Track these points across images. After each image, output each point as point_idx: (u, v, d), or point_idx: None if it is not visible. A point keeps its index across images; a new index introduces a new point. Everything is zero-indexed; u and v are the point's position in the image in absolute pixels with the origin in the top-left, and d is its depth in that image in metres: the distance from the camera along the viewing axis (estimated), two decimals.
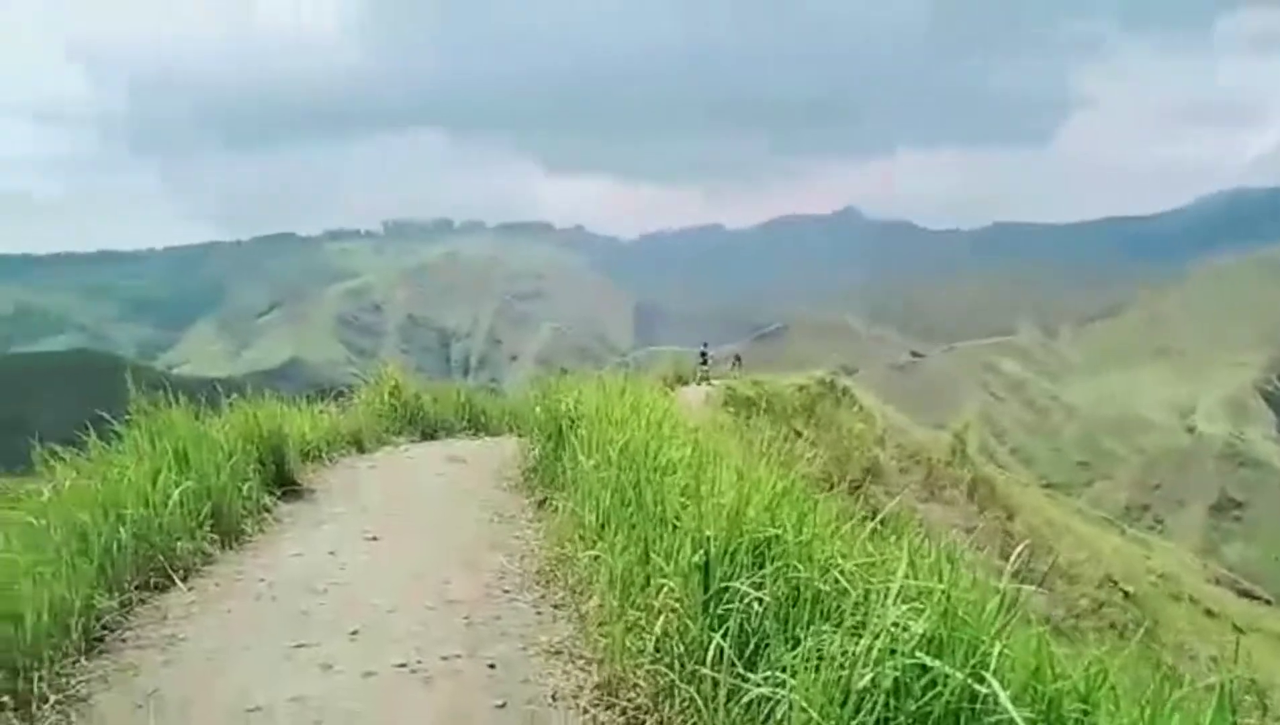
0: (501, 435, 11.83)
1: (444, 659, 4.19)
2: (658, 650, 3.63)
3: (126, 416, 6.50)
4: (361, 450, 10.17)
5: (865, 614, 3.04)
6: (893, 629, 2.85)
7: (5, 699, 3.49)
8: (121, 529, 4.91)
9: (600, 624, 4.28)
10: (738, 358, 32.04)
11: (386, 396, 11.74)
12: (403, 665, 4.11)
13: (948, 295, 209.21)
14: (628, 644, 3.85)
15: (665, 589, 3.74)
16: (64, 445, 6.01)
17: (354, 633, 4.47)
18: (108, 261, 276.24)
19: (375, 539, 6.27)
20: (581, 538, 5.38)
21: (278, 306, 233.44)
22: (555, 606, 4.90)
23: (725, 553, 3.63)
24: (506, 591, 5.15)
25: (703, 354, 26.44)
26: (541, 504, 7.16)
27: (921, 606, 2.91)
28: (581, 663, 4.13)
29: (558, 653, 4.26)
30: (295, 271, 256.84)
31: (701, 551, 3.63)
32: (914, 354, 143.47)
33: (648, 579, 4.00)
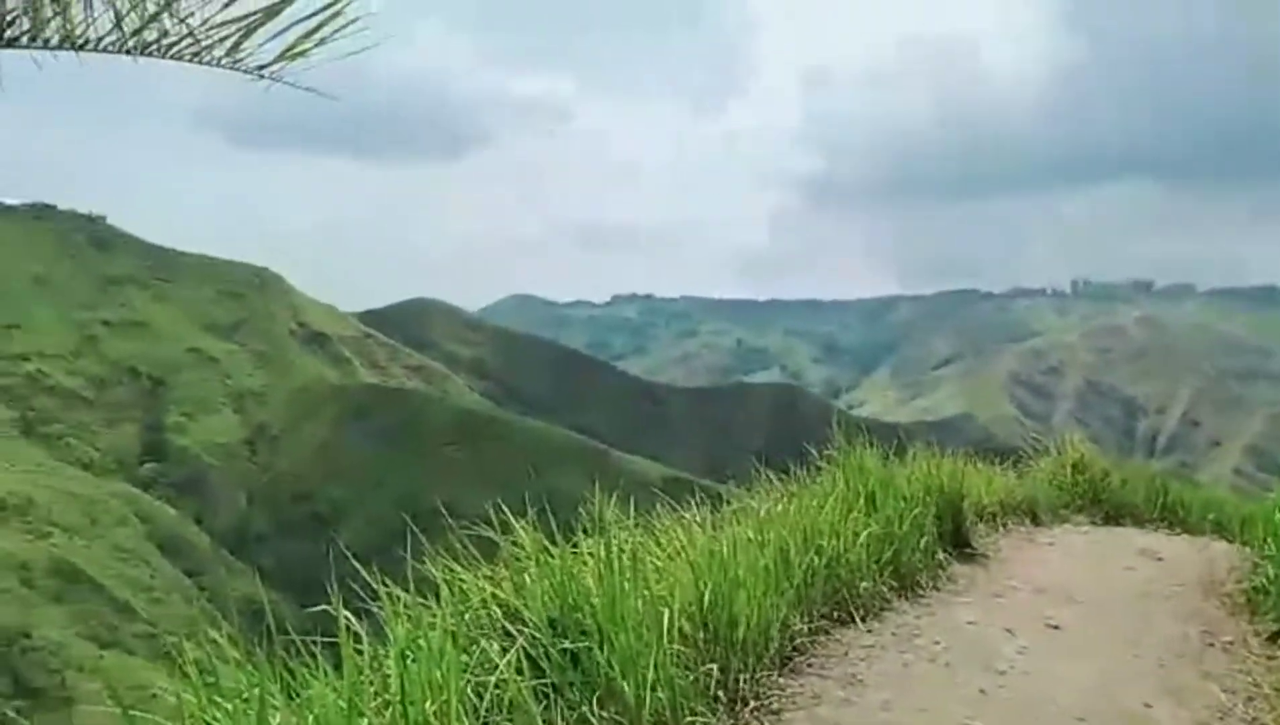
0: (1203, 535, 10.00)
1: None
2: None
3: (824, 450, 7.03)
4: (1036, 522, 9.51)
5: None
6: None
7: (720, 694, 3.92)
8: (817, 558, 5.27)
9: None
10: None
11: (1070, 470, 10.84)
12: None
13: None
14: None
15: None
16: (762, 465, 6.73)
17: None
18: (809, 309, 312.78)
19: (1057, 628, 5.71)
20: None
21: (954, 360, 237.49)
22: None
23: None
24: None
25: None
26: (1275, 638, 5.76)
27: None
28: None
29: None
30: (975, 326, 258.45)
31: None
32: None
33: None
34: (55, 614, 53.74)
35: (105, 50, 2.46)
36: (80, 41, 2.41)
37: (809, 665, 4.59)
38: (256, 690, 2.70)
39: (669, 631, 3.71)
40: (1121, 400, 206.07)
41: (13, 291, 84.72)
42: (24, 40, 2.22)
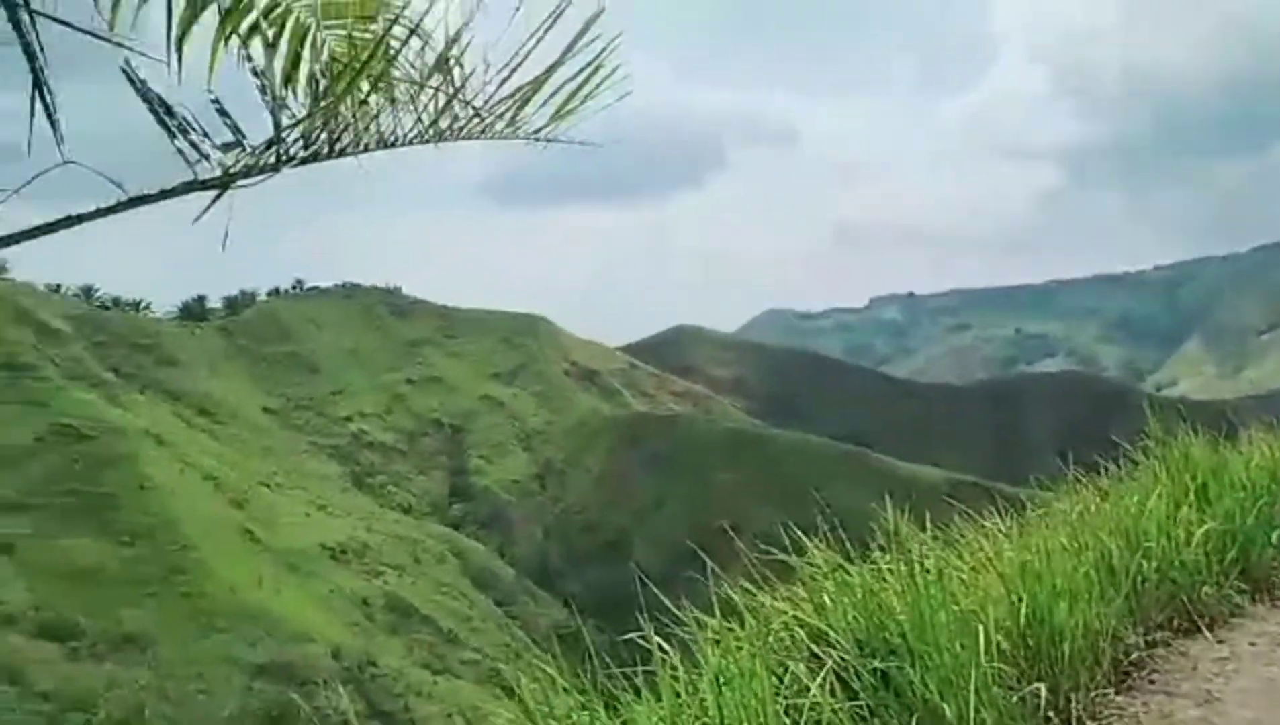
0: None
1: None
2: None
3: (1135, 440, 6.36)
4: None
5: None
6: None
7: (1050, 714, 3.63)
8: (1145, 563, 4.76)
9: None
10: None
11: None
12: None
13: None
14: None
15: None
16: (1061, 462, 6.18)
17: None
18: (1095, 286, 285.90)
19: None
20: None
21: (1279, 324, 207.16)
22: None
23: None
24: None
25: None
26: None
27: None
28: None
29: None
30: None
31: None
32: None
33: None
34: (393, 644, 60.33)
35: (411, 144, 2.78)
36: (391, 140, 2.73)
37: (1150, 682, 4.14)
38: (585, 714, 2.86)
39: (986, 648, 3.50)
40: None
41: (333, 363, 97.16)
42: (350, 148, 2.59)
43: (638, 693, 3.11)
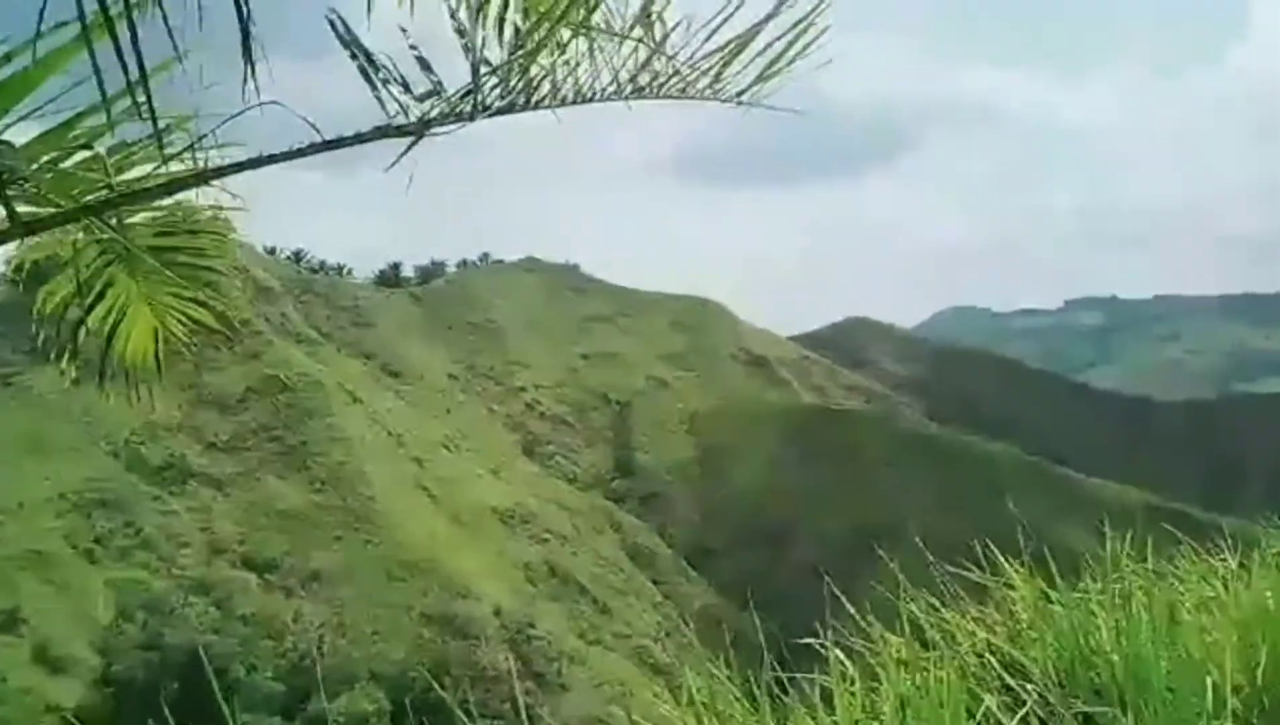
0: None
1: None
2: None
3: None
4: None
5: None
6: None
7: None
8: None
9: None
10: None
11: None
12: None
13: None
14: None
15: None
16: (1270, 494, 5.39)
17: None
18: None
19: None
20: None
21: None
22: None
23: None
24: None
25: None
26: None
27: None
28: None
29: None
30: None
31: None
32: None
33: None
34: (551, 610, 62.43)
35: (608, 100, 2.68)
36: (588, 95, 2.66)
37: None
38: (754, 719, 2.67)
39: (1215, 702, 3.03)
40: None
41: (513, 334, 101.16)
42: (546, 100, 2.50)
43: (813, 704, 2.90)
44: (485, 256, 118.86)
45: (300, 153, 2.06)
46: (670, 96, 2.80)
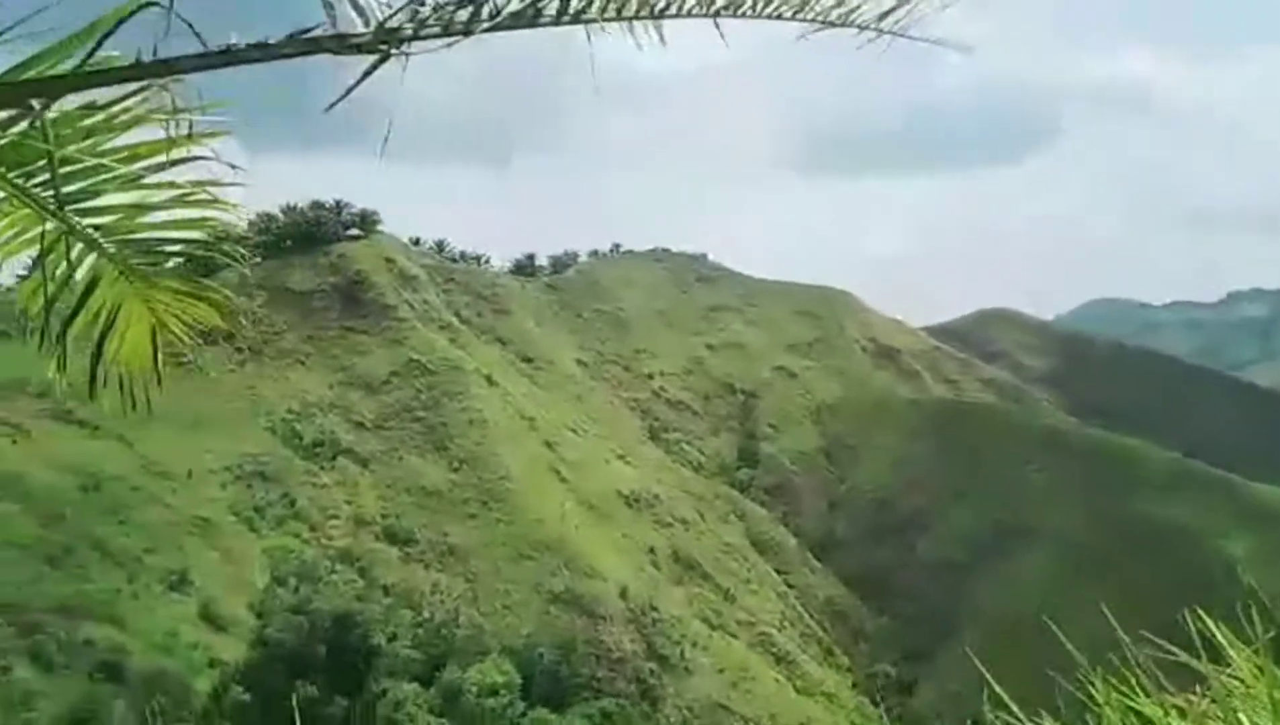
0: None
1: None
2: None
3: None
4: None
5: None
6: None
7: None
8: None
9: None
10: None
11: None
12: None
13: None
14: None
15: None
16: None
17: None
18: None
19: None
20: None
21: None
22: None
23: None
24: None
25: None
26: None
27: None
28: None
29: None
30: None
31: None
32: None
33: None
34: (675, 594, 63.21)
35: (693, 16, 2.11)
36: (674, 8, 2.08)
37: None
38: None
39: None
40: None
41: (641, 323, 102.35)
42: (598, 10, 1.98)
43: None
44: (616, 247, 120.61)
45: (247, 56, 1.71)
46: (782, 19, 2.21)
